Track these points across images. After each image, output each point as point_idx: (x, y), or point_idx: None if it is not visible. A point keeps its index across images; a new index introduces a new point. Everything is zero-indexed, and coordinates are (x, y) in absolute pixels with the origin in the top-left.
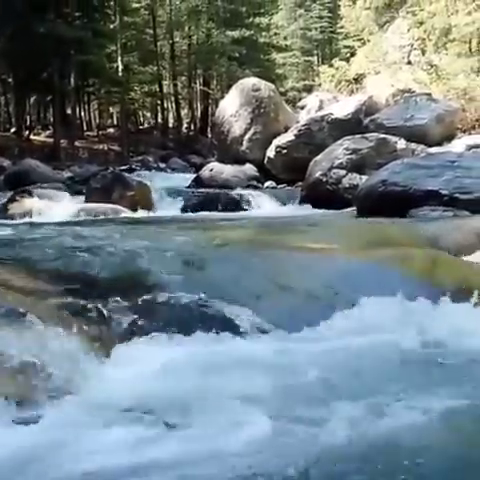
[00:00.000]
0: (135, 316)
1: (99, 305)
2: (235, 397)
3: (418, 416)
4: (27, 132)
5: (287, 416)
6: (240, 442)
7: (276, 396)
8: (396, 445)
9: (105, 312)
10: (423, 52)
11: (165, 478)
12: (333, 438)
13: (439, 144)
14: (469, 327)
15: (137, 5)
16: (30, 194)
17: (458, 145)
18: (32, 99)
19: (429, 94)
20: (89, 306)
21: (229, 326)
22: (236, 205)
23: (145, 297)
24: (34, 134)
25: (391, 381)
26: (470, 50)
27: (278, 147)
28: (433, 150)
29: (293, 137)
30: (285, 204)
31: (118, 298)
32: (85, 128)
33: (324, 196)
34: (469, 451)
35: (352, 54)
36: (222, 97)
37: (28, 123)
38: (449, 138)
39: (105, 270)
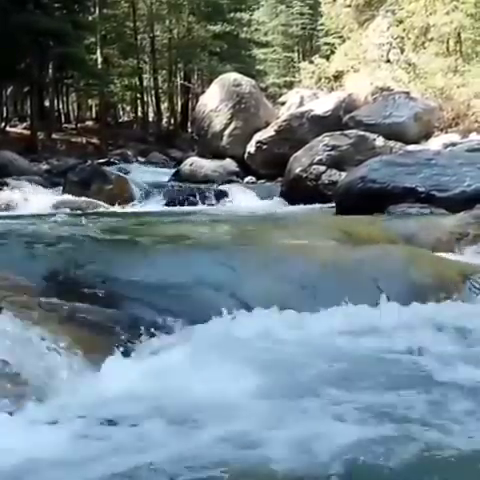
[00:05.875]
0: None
1: (74, 304)
2: None
3: None
4: (3, 124)
5: None
6: None
7: None
8: None
9: (80, 311)
10: (402, 51)
11: None
12: None
13: (417, 142)
14: None
15: None
16: (7, 186)
17: (435, 143)
18: (9, 90)
19: (407, 92)
20: (65, 304)
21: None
22: (215, 200)
23: (122, 295)
24: (11, 126)
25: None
26: (447, 50)
27: (258, 142)
28: (411, 148)
29: (273, 133)
30: (265, 199)
31: (94, 296)
32: (63, 120)
33: (304, 192)
34: None
35: (332, 51)
36: (203, 92)
37: (5, 115)
38: (426, 136)
39: (82, 266)
